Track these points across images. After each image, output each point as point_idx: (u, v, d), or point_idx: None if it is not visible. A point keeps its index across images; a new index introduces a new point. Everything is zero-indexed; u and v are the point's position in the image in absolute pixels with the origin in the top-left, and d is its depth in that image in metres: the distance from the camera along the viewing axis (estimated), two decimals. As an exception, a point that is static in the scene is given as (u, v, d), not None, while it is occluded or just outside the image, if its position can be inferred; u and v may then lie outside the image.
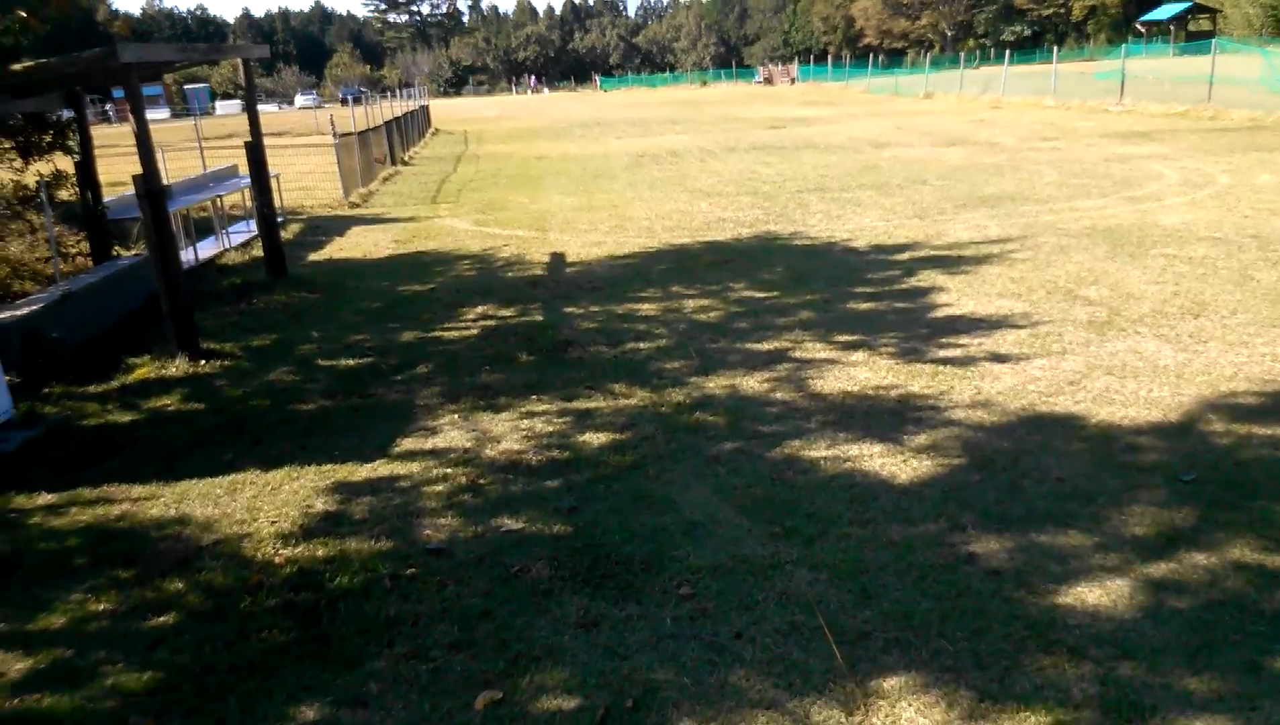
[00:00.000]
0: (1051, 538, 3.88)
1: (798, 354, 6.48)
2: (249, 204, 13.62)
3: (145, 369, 6.99)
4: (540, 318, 7.83)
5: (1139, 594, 3.46)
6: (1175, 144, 17.58)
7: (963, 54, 57.11)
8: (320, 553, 4.13)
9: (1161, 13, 72.07)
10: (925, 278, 8.44)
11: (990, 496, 4.27)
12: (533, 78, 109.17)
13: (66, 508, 4.78)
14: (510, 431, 5.34)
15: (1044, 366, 5.93)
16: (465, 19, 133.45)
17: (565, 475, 4.73)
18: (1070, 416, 5.14)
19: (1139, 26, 72.42)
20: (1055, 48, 41.75)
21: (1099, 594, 3.47)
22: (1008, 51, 45.84)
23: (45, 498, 4.91)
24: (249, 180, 10.89)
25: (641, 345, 6.87)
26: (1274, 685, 2.95)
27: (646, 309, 7.91)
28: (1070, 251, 9.10)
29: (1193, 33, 68.46)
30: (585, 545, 4.03)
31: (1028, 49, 71.94)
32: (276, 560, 4.07)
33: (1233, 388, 5.45)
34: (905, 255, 9.44)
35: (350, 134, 17.36)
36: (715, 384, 5.95)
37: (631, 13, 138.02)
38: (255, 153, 9.98)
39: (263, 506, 4.64)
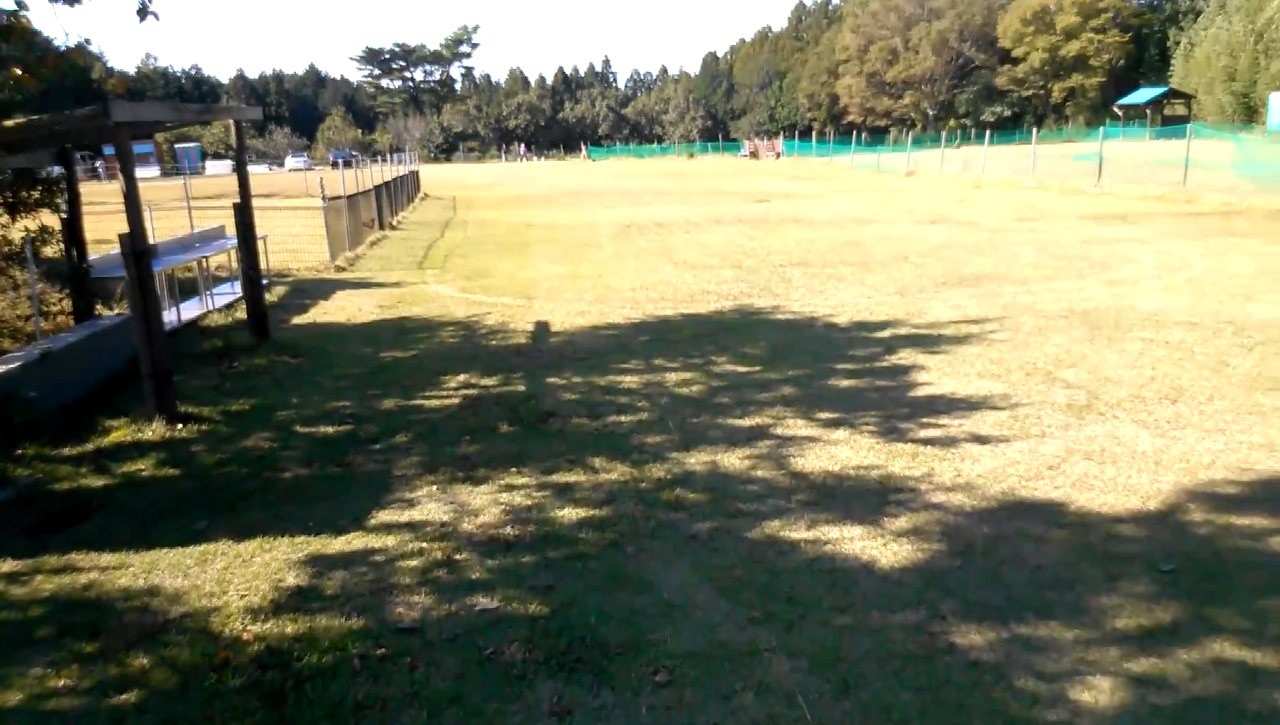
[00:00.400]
0: (1032, 629, 3.85)
1: (779, 431, 6.48)
2: (235, 265, 13.64)
3: (121, 432, 6.91)
4: (523, 388, 7.81)
5: (1120, 690, 3.43)
6: (1151, 227, 17.95)
7: (944, 133, 58.51)
8: (290, 629, 4.04)
9: (1138, 97, 74.35)
10: (906, 356, 8.50)
11: (970, 584, 4.24)
12: (522, 146, 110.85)
13: (31, 575, 4.67)
14: (489, 505, 5.29)
15: (1024, 449, 5.95)
16: (458, 86, 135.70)
17: (543, 552, 4.68)
18: (1050, 502, 5.14)
19: (1116, 110, 74.54)
20: (1035, 129, 42.78)
21: (1080, 689, 3.43)
22: (988, 132, 46.93)
23: (9, 564, 4.80)
24: (236, 241, 10.92)
25: (623, 418, 6.86)
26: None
27: (629, 381, 7.92)
28: (1048, 333, 9.21)
29: (1168, 117, 70.57)
30: (561, 627, 3.96)
31: (1008, 129, 73.75)
32: (245, 636, 3.98)
33: (1211, 476, 5.48)
34: (886, 332, 9.52)
35: (339, 197, 17.50)
36: (696, 460, 5.93)
37: (621, 85, 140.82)
38: (243, 215, 10.03)
39: (233, 579, 4.55)
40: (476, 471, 5.82)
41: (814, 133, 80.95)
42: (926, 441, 6.15)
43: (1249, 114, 63.33)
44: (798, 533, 4.83)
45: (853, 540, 4.72)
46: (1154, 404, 6.85)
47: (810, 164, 58.43)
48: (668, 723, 3.31)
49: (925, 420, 6.61)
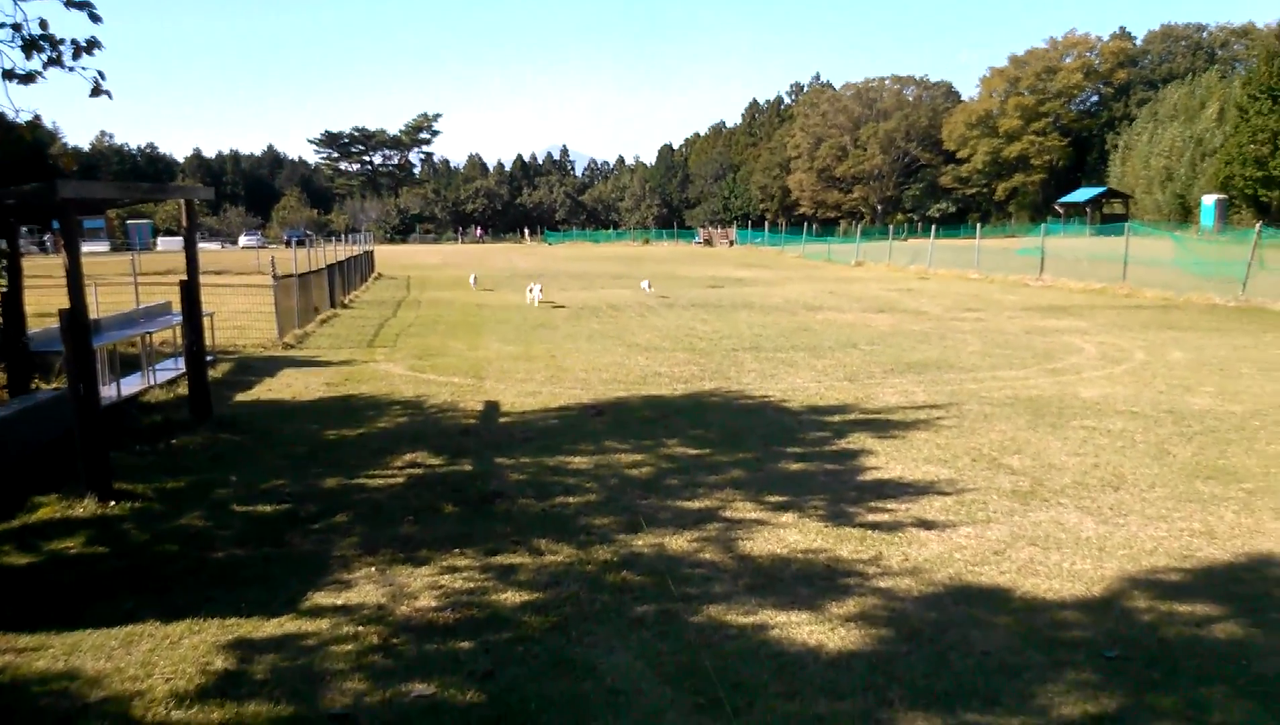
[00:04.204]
0: (979, 716, 3.80)
1: (728, 514, 6.44)
2: (180, 341, 13.41)
3: (51, 508, 6.65)
4: (469, 468, 7.70)
5: (1067, 778, 3.38)
6: (1093, 319, 18.48)
7: (891, 226, 60.22)
8: (215, 715, 3.86)
9: (1078, 196, 77.42)
10: (855, 440, 8.56)
11: (917, 670, 4.19)
12: (479, 229, 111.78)
13: (-61, 660, 4.42)
14: (428, 588, 5.15)
15: (970, 534, 5.97)
16: (416, 170, 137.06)
17: (483, 636, 4.54)
18: (996, 588, 5.14)
19: (1057, 208, 77.41)
20: (979, 225, 44.21)
21: (1027, 777, 3.38)
22: (934, 226, 48.34)
23: (-83, 648, 4.54)
24: (181, 318, 10.76)
25: (571, 499, 6.78)
26: None
27: (578, 462, 7.85)
28: (993, 420, 9.35)
29: (1107, 215, 73.54)
30: (500, 714, 3.83)
31: (952, 224, 76.10)
32: (167, 723, 3.78)
33: (1153, 563, 5.53)
34: (836, 417, 9.60)
35: (290, 275, 17.40)
36: (643, 542, 5.85)
37: (579, 172, 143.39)
38: (190, 292, 9.90)
39: (159, 662, 4.35)
40: (418, 552, 5.68)
41: (766, 223, 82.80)
42: (874, 525, 6.15)
43: (1184, 214, 66.19)
44: (744, 617, 4.75)
45: (800, 625, 4.65)
46: (1097, 491, 6.94)
47: (762, 253, 59.58)
48: (607, 815, 3.18)
49: (873, 504, 6.62)
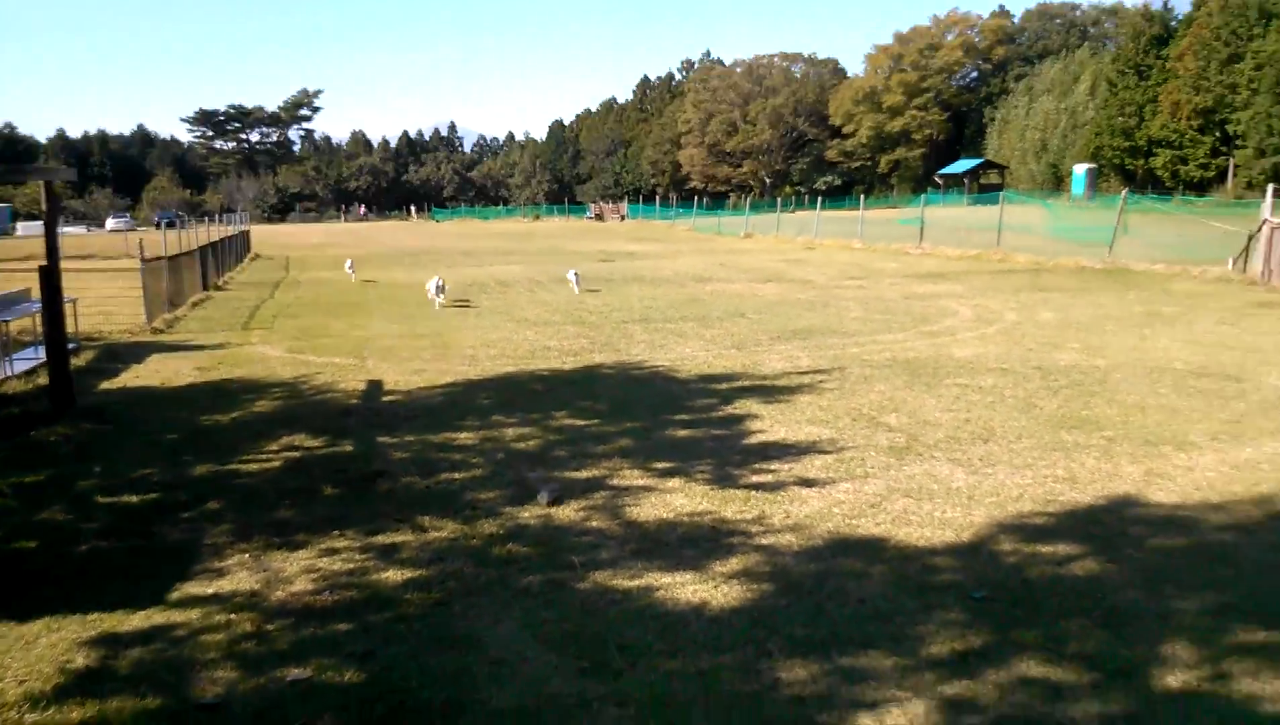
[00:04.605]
0: (854, 660, 3.91)
1: (615, 482, 6.45)
2: (40, 329, 12.64)
3: (-112, 510, 6.19)
4: (350, 448, 7.50)
5: (935, 713, 3.51)
6: (968, 284, 19.20)
7: (779, 199, 61.24)
8: (75, 715, 3.66)
9: (957, 167, 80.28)
10: (741, 406, 8.68)
11: (796, 621, 4.28)
12: (363, 206, 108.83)
13: None
14: (304, 572, 4.99)
15: (848, 490, 6.13)
16: (296, 148, 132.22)
17: (362, 617, 4.43)
18: (872, 538, 5.30)
19: (937, 179, 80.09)
20: (863, 196, 45.36)
21: (897, 715, 3.50)
22: (820, 198, 49.36)
23: None
24: (40, 305, 10.13)
25: (456, 475, 6.67)
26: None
27: (464, 438, 7.73)
28: (873, 382, 9.61)
29: (984, 185, 76.54)
30: (380, 693, 3.75)
31: (838, 196, 77.90)
32: (18, 727, 3.58)
33: (1019, 508, 5.78)
34: (724, 385, 9.71)
35: (159, 258, 16.58)
36: (529, 514, 5.81)
37: (468, 148, 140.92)
38: (50, 277, 9.33)
39: (12, 664, 4.09)
40: (294, 537, 5.50)
41: (658, 197, 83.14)
42: (758, 486, 6.25)
43: (1057, 182, 69.44)
44: (630, 582, 4.77)
45: (684, 586, 4.70)
46: (968, 444, 7.22)
47: (654, 227, 59.81)
48: (488, 784, 3.15)
49: (757, 466, 6.73)
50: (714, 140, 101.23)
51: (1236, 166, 56.36)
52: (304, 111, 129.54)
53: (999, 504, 5.85)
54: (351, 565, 5.06)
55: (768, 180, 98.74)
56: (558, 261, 28.88)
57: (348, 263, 24.95)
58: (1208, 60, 56.62)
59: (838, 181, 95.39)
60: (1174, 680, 3.75)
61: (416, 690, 3.77)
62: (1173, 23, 63.71)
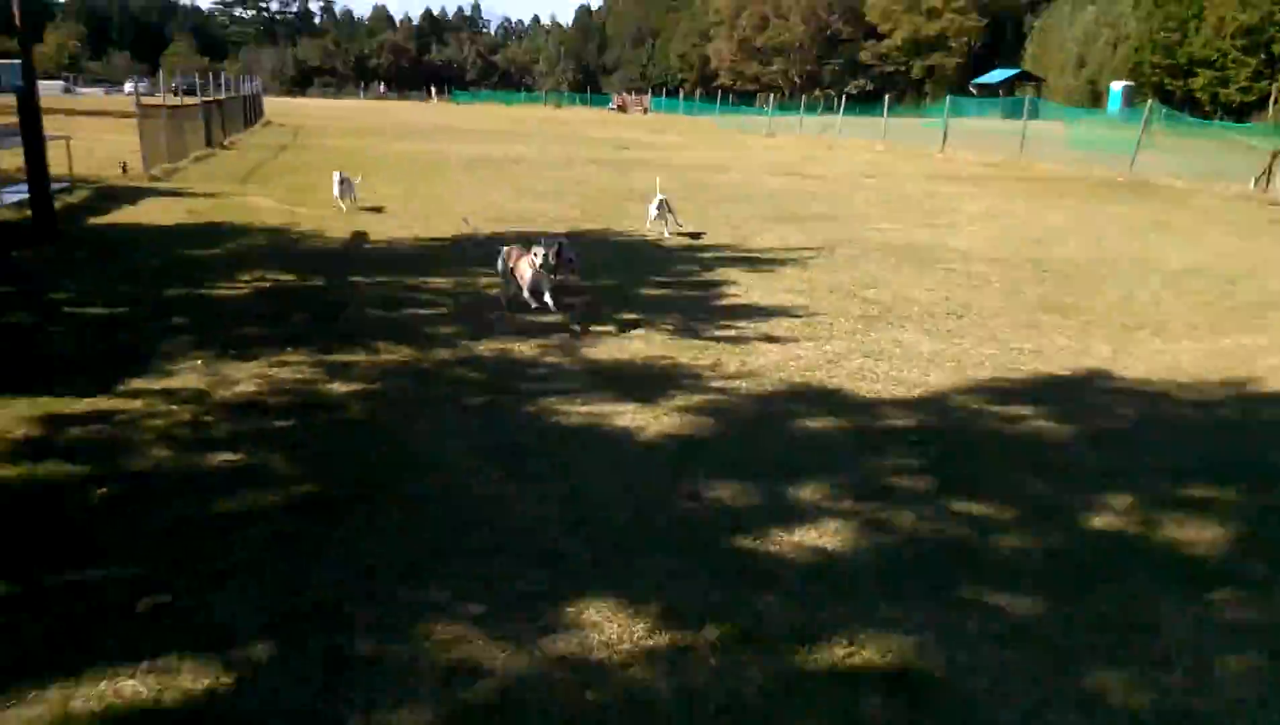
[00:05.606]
0: (779, 485, 3.93)
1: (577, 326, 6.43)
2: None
3: None
4: (322, 283, 7.50)
5: (846, 531, 3.53)
6: (985, 187, 18.78)
7: (803, 99, 59.71)
8: (10, 473, 3.76)
9: (992, 77, 77.81)
10: (721, 274, 8.60)
11: (731, 449, 4.31)
12: (382, 85, 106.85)
13: None
14: (253, 377, 5.03)
15: (810, 348, 6.10)
16: (317, 20, 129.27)
17: (302, 418, 4.48)
18: (824, 388, 5.29)
19: (971, 89, 77.71)
20: (886, 98, 44.12)
21: (810, 530, 3.53)
22: (843, 99, 48.10)
23: None
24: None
25: (421, 311, 6.68)
26: (957, 608, 3.05)
27: (437, 282, 7.71)
28: (861, 262, 9.49)
29: (1020, 98, 74.15)
30: (302, 476, 3.80)
31: (870, 102, 75.81)
32: (-54, 485, 3.65)
33: (978, 374, 5.75)
34: (709, 255, 9.61)
35: (159, 106, 16.35)
36: (486, 347, 5.82)
37: (493, 30, 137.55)
38: (28, 100, 9.20)
39: (-46, 438, 4.17)
40: (250, 350, 5.52)
41: (682, 92, 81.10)
42: (719, 338, 6.23)
43: (1094, 100, 67.19)
44: (573, 407, 4.79)
45: (625, 415, 4.71)
46: (941, 318, 7.15)
47: (677, 120, 58.55)
48: (397, 548, 3.22)
49: (724, 323, 6.70)
50: (744, 34, 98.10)
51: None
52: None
53: (959, 369, 5.81)
54: (300, 376, 5.09)
55: (797, 80, 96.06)
56: (574, 147, 28.40)
57: (336, 178, 12.08)
58: (1257, -28, 54.16)
59: (870, 86, 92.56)
60: (1100, 522, 3.75)
61: (338, 478, 3.82)
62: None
